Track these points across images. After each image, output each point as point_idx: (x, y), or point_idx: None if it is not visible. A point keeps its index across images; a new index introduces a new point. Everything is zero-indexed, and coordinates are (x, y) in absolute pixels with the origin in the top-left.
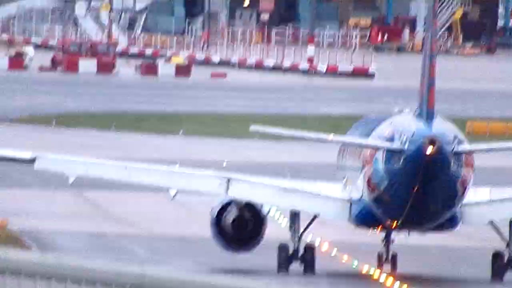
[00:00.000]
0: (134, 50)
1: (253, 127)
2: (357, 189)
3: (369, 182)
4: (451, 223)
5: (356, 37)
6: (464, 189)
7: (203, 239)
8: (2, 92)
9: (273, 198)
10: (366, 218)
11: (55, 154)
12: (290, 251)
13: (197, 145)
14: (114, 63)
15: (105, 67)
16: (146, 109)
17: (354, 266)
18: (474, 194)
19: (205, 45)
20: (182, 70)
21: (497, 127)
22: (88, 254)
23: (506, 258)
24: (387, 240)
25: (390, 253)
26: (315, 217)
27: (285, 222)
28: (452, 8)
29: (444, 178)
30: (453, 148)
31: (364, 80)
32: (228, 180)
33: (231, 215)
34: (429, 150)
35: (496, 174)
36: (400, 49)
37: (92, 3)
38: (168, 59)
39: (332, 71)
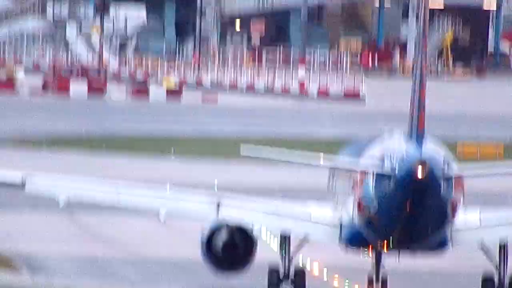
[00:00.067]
0: (125, 73)
1: (245, 152)
2: (347, 211)
3: (359, 205)
4: (441, 245)
5: (346, 59)
6: (454, 212)
7: (193, 262)
8: None
9: (263, 220)
10: (356, 240)
11: (45, 177)
12: (281, 273)
13: (188, 167)
14: (105, 86)
15: (96, 90)
16: (137, 132)
17: None
18: (464, 216)
19: (196, 68)
20: (173, 93)
21: (488, 150)
22: (78, 277)
23: (496, 281)
24: (377, 262)
25: (380, 275)
26: (305, 239)
27: (275, 244)
28: (442, 32)
29: (434, 201)
30: (443, 172)
31: (355, 103)
32: (219, 203)
33: (221, 238)
34: (419, 173)
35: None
36: (391, 72)
37: (83, 27)
38: (159, 82)
39: (323, 94)
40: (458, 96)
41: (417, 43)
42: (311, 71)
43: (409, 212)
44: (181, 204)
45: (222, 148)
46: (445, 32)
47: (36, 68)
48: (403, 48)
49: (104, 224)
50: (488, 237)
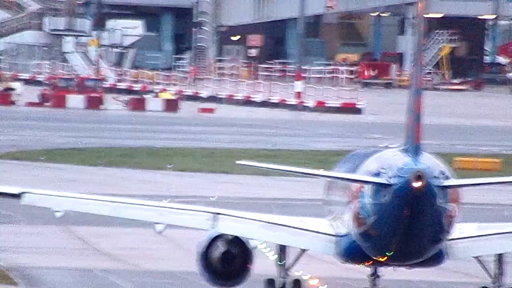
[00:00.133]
0: (122, 85)
1: (240, 162)
2: (343, 224)
3: (355, 217)
4: (438, 258)
5: (344, 72)
6: (451, 223)
7: (190, 274)
8: None
9: (260, 232)
10: (352, 253)
11: (42, 189)
12: (277, 285)
13: (185, 180)
14: (102, 99)
15: (93, 103)
16: (134, 144)
17: None
18: (460, 228)
19: (193, 81)
20: (170, 106)
21: (486, 163)
22: None
23: None
24: (374, 275)
25: (377, 287)
26: (302, 251)
27: (272, 256)
28: (439, 45)
29: (431, 212)
30: (440, 183)
31: (352, 116)
32: (215, 215)
33: (218, 250)
34: (416, 184)
35: (484, 210)
36: (388, 85)
37: (80, 39)
38: (156, 95)
39: (320, 107)
40: (455, 108)
41: (414, 55)
42: (308, 83)
43: (406, 224)
44: (177, 216)
45: (218, 159)
46: (442, 44)
47: (33, 80)
48: (400, 60)
49: (101, 236)
50: (485, 249)
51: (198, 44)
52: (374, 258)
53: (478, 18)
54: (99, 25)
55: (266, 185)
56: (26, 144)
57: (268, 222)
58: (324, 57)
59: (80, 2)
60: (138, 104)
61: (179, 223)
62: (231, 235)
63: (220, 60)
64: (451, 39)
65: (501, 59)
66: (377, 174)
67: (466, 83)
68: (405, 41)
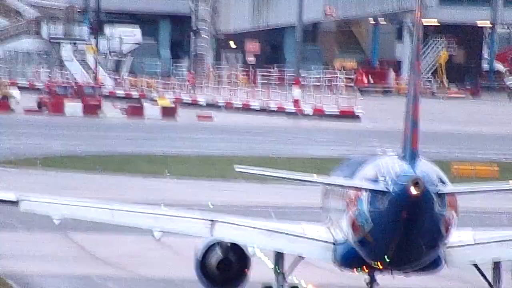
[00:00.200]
0: (120, 92)
1: (238, 167)
2: (341, 230)
3: (353, 223)
4: (435, 264)
5: (341, 79)
6: (448, 230)
7: (188, 281)
8: None
9: (257, 239)
10: (350, 259)
11: (40, 196)
12: None
13: (183, 186)
14: (100, 105)
15: (91, 109)
16: (132, 151)
17: None
18: (457, 234)
19: (191, 87)
20: (168, 112)
21: (483, 170)
22: None
23: None
24: (371, 281)
25: None
26: (299, 257)
27: (270, 263)
28: (437, 51)
29: (428, 219)
30: (437, 189)
31: (350, 122)
32: (213, 221)
33: (216, 256)
34: (413, 191)
35: (481, 217)
36: (385, 92)
37: (78, 46)
38: (154, 101)
39: (318, 113)
40: (453, 115)
41: (411, 62)
42: (306, 90)
43: (403, 230)
44: (175, 222)
45: (217, 165)
46: (440, 51)
47: (31, 87)
48: (398, 67)
49: (99, 242)
50: (482, 255)
51: (197, 51)
52: (372, 264)
53: (475, 25)
54: (97, 32)
55: (264, 191)
56: (24, 151)
57: (266, 229)
58: (322, 64)
59: (78, 9)
60: (136, 111)
61: (177, 230)
62: (229, 242)
63: (218, 67)
64: (448, 46)
65: (499, 66)
66: (375, 181)
67: (464, 90)
68: (403, 48)
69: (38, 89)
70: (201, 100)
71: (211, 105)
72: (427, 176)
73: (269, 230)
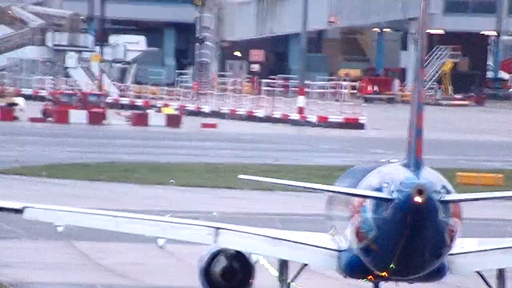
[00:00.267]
0: (124, 100)
1: (242, 176)
2: (345, 238)
3: (357, 231)
4: (439, 272)
5: (346, 88)
6: (452, 238)
7: None
8: None
9: (262, 247)
10: (354, 267)
11: (44, 204)
12: None
13: (187, 195)
14: (104, 114)
15: (96, 118)
16: (136, 159)
17: None
18: (461, 242)
19: (196, 96)
20: (173, 121)
21: (488, 178)
22: None
23: None
24: None
25: None
26: (304, 266)
27: (274, 271)
28: (442, 60)
29: (432, 227)
30: (441, 197)
31: (355, 131)
32: (217, 230)
33: (220, 265)
34: (418, 198)
35: (486, 226)
36: (390, 100)
37: (83, 54)
38: (159, 110)
39: (322, 122)
40: (457, 123)
41: (415, 70)
42: (311, 98)
43: (407, 238)
44: (179, 230)
45: (221, 174)
46: (444, 59)
47: (36, 95)
48: (402, 76)
49: (104, 251)
50: (486, 263)
51: (201, 59)
52: (376, 272)
53: (480, 33)
54: (101, 40)
55: (269, 200)
56: (29, 159)
57: (270, 237)
58: (326, 72)
59: (83, 18)
60: (141, 119)
61: (180, 237)
62: (233, 250)
63: (222, 75)
64: (453, 54)
65: (504, 75)
66: (379, 189)
67: (469, 98)
68: (407, 57)
69: (42, 97)
70: (206, 108)
71: (216, 114)
72: (431, 184)
73: (273, 238)
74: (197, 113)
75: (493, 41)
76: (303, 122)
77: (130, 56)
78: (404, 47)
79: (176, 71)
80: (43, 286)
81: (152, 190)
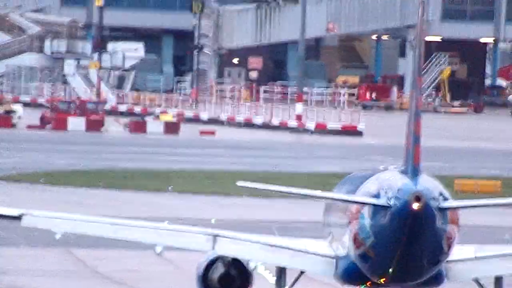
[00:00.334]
0: (123, 108)
1: (240, 183)
2: (343, 245)
3: (355, 238)
4: (436, 279)
5: (344, 95)
6: (450, 245)
7: None
8: None
9: (259, 254)
10: (352, 274)
11: (42, 211)
12: None
13: (186, 202)
14: (103, 121)
15: (94, 125)
16: (134, 166)
17: None
18: (459, 250)
19: (194, 103)
20: (171, 128)
21: (486, 185)
22: None
23: None
24: None
25: None
26: (301, 273)
27: (271, 278)
28: (439, 67)
29: (430, 233)
30: (439, 204)
31: (353, 138)
32: (215, 237)
33: (217, 272)
34: (415, 205)
35: (483, 233)
36: (388, 107)
37: (81, 62)
38: (157, 117)
39: (320, 129)
40: (455, 130)
41: (413, 77)
42: (309, 105)
43: (405, 245)
44: (177, 238)
45: (219, 181)
46: (442, 66)
47: (34, 103)
48: (401, 83)
49: (101, 258)
50: (484, 270)
51: (199, 66)
52: (373, 279)
53: (478, 41)
54: (100, 47)
55: (267, 206)
56: (27, 166)
57: (267, 244)
58: (324, 79)
59: (81, 25)
60: (139, 127)
61: (178, 244)
62: (230, 257)
63: (221, 83)
64: (451, 61)
65: (502, 82)
66: (376, 196)
67: (467, 105)
68: (405, 64)
69: (41, 105)
70: (204, 115)
71: (214, 121)
72: (428, 191)
73: (271, 245)
74: (196, 120)
75: (491, 48)
76: (301, 129)
77: (128, 63)
78: (403, 54)
79: (174, 78)
80: None
81: (150, 197)
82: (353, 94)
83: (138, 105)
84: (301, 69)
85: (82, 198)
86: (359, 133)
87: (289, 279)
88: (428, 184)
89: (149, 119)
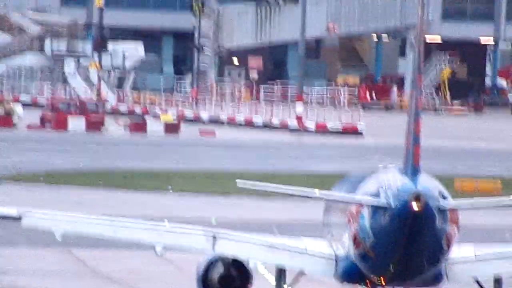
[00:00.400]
0: (123, 108)
1: (240, 182)
2: (342, 245)
3: (354, 238)
4: (436, 279)
5: (344, 95)
6: (449, 245)
7: None
8: None
9: (259, 254)
10: (351, 274)
11: (42, 211)
12: None
13: (185, 202)
14: (103, 121)
15: (94, 125)
16: (134, 167)
17: None
18: (458, 250)
19: (194, 103)
20: (171, 128)
21: (486, 185)
22: None
23: None
24: None
25: None
26: (301, 272)
27: (271, 278)
28: (440, 67)
29: (429, 233)
30: (438, 204)
31: (353, 138)
32: (214, 236)
33: (217, 271)
34: (415, 205)
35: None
36: (388, 107)
37: (81, 61)
38: (157, 117)
39: (321, 129)
40: (455, 130)
41: (412, 78)
42: (309, 105)
43: (404, 245)
44: (177, 238)
45: (219, 181)
46: (442, 66)
47: (34, 103)
48: (401, 83)
49: (101, 259)
50: (483, 271)
51: (199, 67)
52: (373, 279)
53: (478, 41)
54: (100, 48)
55: (267, 206)
56: (27, 166)
57: (267, 244)
58: (325, 79)
59: (82, 25)
60: (139, 127)
61: (178, 244)
62: (230, 257)
63: (221, 83)
64: (451, 61)
65: (502, 82)
66: (376, 196)
67: (467, 105)
68: (406, 64)
69: (41, 105)
70: (204, 115)
71: (214, 121)
72: (428, 191)
73: (271, 246)
74: (196, 120)
75: (491, 48)
76: (301, 129)
77: (129, 63)
78: (403, 54)
79: (175, 78)
80: None
81: (150, 197)
82: (354, 94)
83: (138, 105)
84: (301, 69)
85: (82, 198)
86: (359, 133)
87: (289, 279)
88: (427, 183)
89: (149, 119)
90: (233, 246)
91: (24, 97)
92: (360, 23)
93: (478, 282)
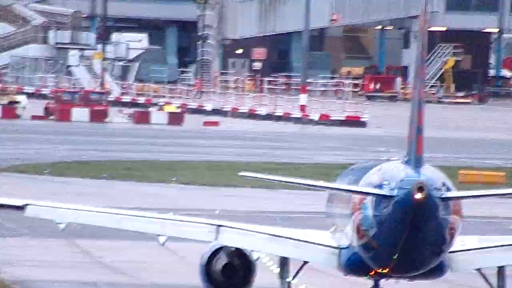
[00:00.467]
0: (126, 98)
1: (244, 173)
2: (345, 236)
3: (357, 229)
4: (439, 270)
5: (348, 85)
6: (453, 235)
7: (193, 287)
8: None
9: (262, 245)
10: (355, 265)
11: (46, 201)
12: None
13: (189, 193)
14: (106, 112)
15: (98, 116)
16: (138, 157)
17: None
18: (462, 242)
19: (198, 94)
20: (175, 118)
21: (490, 176)
22: None
23: None
24: (375, 287)
25: None
26: (304, 263)
27: (275, 269)
28: (443, 58)
29: (432, 224)
30: (441, 195)
31: (357, 129)
32: (218, 227)
33: (220, 262)
34: (418, 196)
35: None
36: (392, 98)
37: (85, 52)
38: (161, 108)
39: (324, 120)
40: (460, 121)
41: (416, 68)
42: (313, 96)
43: (407, 235)
44: (180, 228)
45: (223, 172)
46: (446, 57)
47: (38, 93)
48: (405, 73)
49: (105, 249)
50: (486, 261)
51: (203, 57)
52: (376, 270)
53: (482, 31)
54: (104, 38)
55: (270, 197)
56: (30, 157)
57: (271, 234)
58: (328, 70)
59: (85, 16)
60: (143, 117)
61: (181, 235)
62: (233, 247)
63: (224, 73)
64: (455, 52)
65: (506, 73)
66: (379, 186)
67: (470, 96)
68: (409, 55)
69: (45, 95)
70: (208, 106)
71: (218, 112)
72: (431, 181)
73: (274, 236)
74: (199, 111)
75: (495, 39)
76: (305, 120)
77: (132, 54)
78: (406, 45)
79: (178, 69)
80: (44, 284)
81: (154, 188)
82: (357, 85)
83: (142, 96)
84: (305, 59)
85: (85, 189)
86: (363, 124)
87: (293, 270)
88: (431, 174)
89: (153, 110)
90: (236, 237)
91: (28, 88)
92: (364, 13)
93: (481, 273)
